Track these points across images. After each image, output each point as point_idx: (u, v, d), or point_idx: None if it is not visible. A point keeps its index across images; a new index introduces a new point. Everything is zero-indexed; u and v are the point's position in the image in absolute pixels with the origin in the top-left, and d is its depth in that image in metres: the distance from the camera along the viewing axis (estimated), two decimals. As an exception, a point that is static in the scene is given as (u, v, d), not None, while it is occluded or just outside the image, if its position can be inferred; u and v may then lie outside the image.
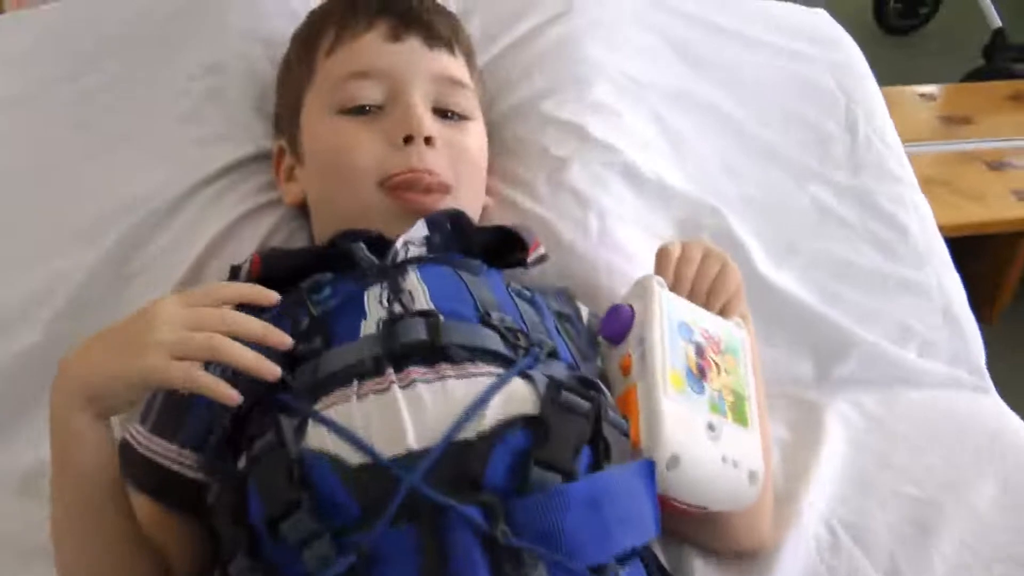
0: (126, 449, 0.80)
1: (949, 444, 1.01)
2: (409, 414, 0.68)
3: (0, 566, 0.86)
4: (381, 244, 0.86)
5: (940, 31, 3.23)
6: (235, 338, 0.69)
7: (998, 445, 1.02)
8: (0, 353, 0.97)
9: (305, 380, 0.73)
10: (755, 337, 0.91)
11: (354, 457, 0.66)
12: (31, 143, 1.08)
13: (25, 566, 0.84)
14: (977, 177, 2.01)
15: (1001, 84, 2.43)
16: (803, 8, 1.37)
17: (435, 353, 0.73)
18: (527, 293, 0.87)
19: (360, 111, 0.92)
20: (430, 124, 0.91)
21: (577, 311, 0.92)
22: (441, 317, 0.76)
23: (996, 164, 2.05)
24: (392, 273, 0.82)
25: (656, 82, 1.18)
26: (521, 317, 0.81)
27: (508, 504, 0.64)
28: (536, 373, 0.72)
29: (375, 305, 0.79)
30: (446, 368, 0.72)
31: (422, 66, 0.94)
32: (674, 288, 0.86)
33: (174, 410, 0.81)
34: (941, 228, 1.22)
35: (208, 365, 0.70)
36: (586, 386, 0.73)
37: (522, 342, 0.77)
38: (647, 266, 0.92)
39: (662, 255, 0.89)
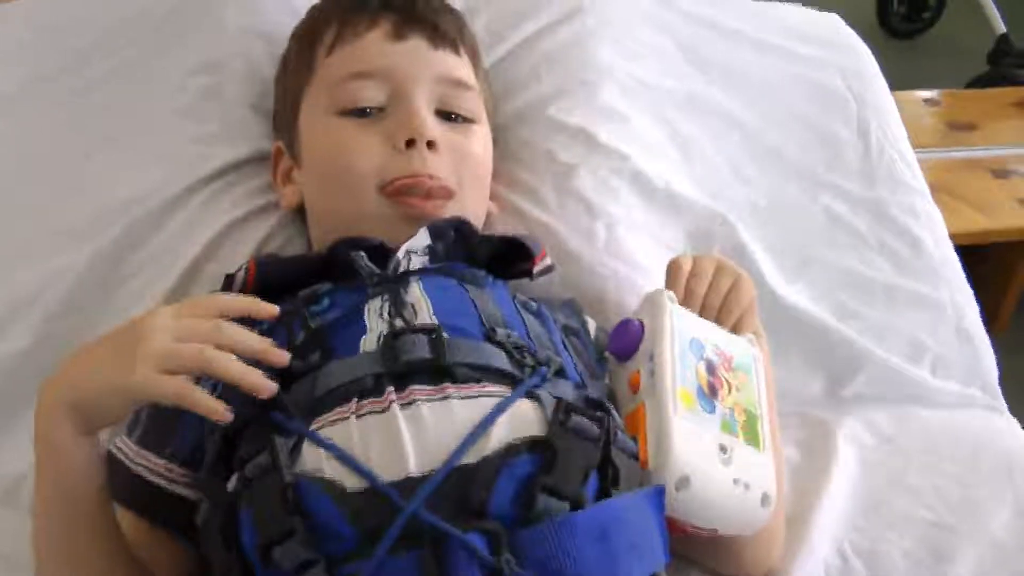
0: (112, 462, 0.78)
1: (963, 465, 1.00)
2: (410, 436, 0.66)
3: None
4: (382, 253, 0.83)
5: (944, 36, 3.22)
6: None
7: (1013, 467, 1.00)
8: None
9: (301, 397, 0.71)
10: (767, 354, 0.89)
11: (351, 481, 0.64)
12: (24, 140, 1.05)
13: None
14: (981, 185, 1.99)
15: (1007, 91, 2.42)
16: (815, 11, 1.34)
17: (439, 372, 0.71)
18: (533, 305, 0.85)
19: (361, 113, 0.90)
20: (433, 127, 0.89)
21: (584, 324, 0.90)
22: (445, 334, 0.73)
23: (1001, 172, 2.04)
24: (394, 285, 0.80)
25: (665, 85, 1.15)
26: (527, 333, 0.79)
27: (513, 533, 0.62)
28: (543, 393, 0.70)
29: (376, 318, 0.77)
30: (450, 388, 0.70)
31: (426, 66, 0.91)
32: (685, 303, 0.84)
33: (162, 422, 0.78)
34: (944, 237, 1.21)
35: (199, 379, 0.68)
36: (594, 407, 0.71)
37: (528, 360, 0.74)
38: (656, 277, 0.90)
39: (673, 269, 0.87)
